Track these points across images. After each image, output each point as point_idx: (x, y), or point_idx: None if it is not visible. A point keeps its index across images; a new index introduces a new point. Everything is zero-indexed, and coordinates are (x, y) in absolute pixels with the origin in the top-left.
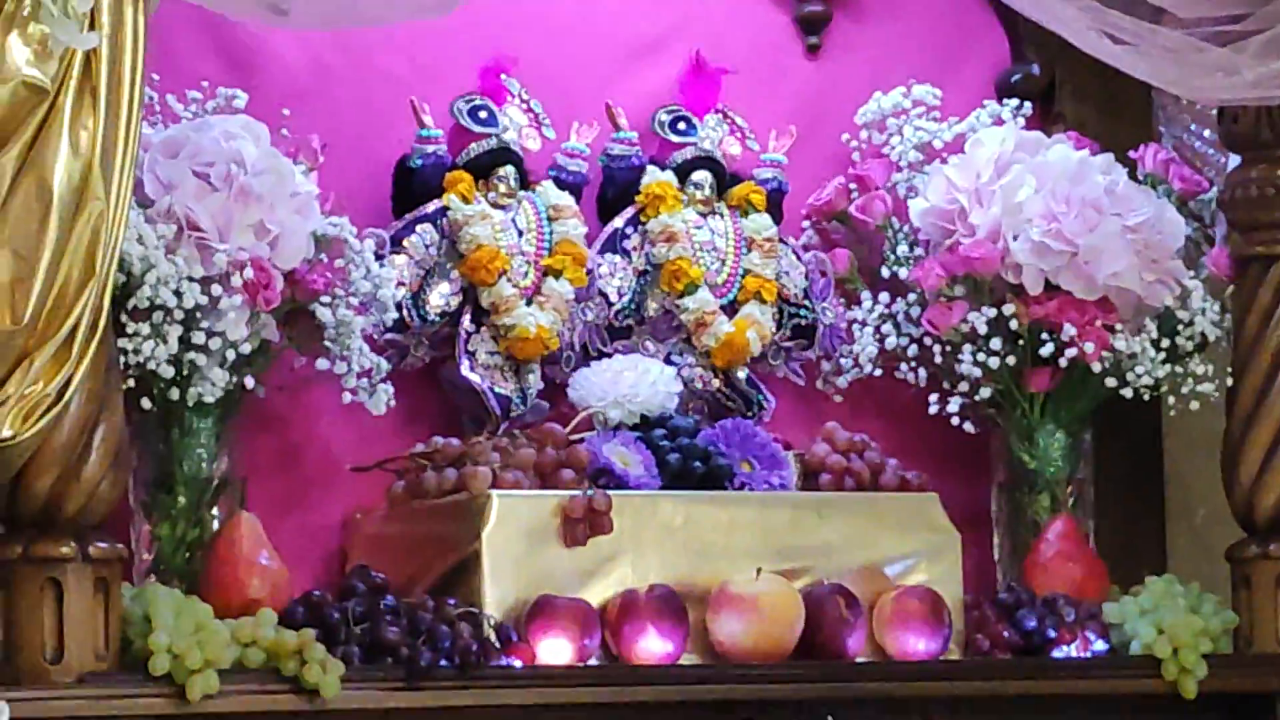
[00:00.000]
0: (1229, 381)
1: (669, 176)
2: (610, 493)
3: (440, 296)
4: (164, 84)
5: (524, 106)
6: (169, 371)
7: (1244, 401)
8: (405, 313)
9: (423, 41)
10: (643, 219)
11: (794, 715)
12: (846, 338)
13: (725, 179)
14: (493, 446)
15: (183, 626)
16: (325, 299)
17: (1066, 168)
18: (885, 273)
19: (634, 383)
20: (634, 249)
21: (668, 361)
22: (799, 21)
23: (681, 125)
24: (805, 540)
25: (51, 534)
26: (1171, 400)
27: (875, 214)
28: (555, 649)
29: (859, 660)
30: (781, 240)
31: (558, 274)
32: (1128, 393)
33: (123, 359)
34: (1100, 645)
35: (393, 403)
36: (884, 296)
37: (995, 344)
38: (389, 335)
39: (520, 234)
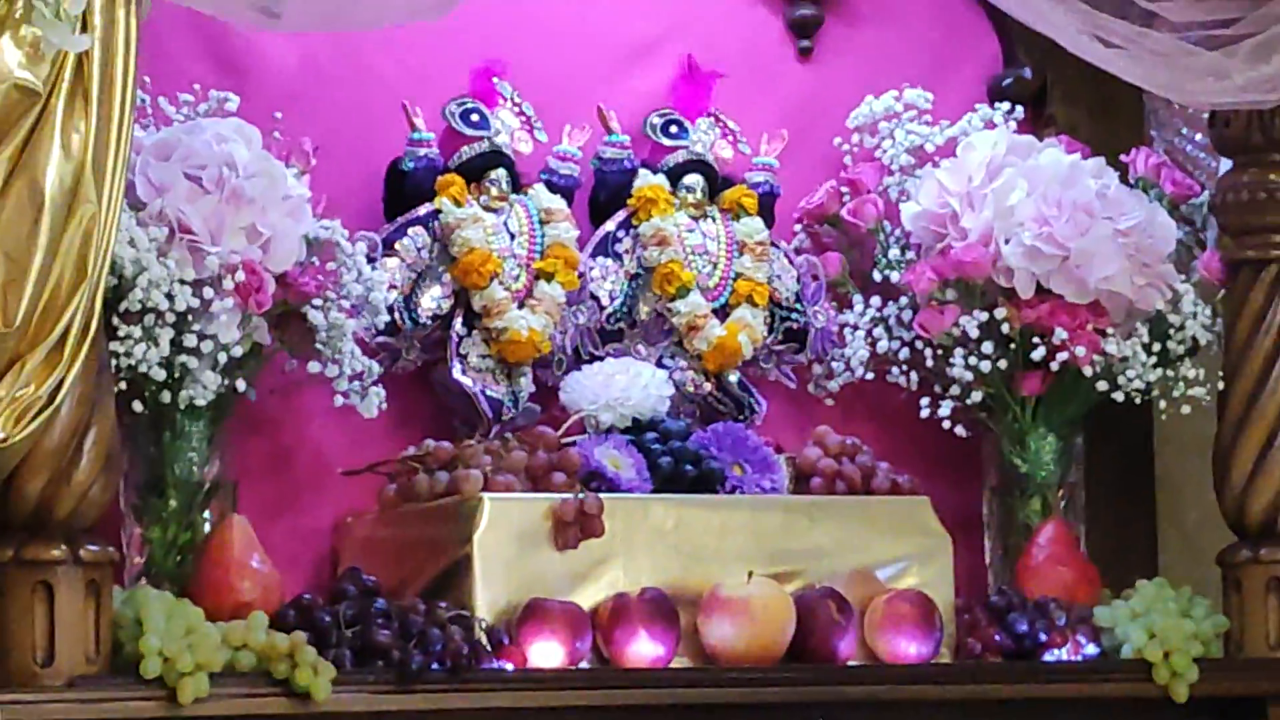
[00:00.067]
0: (1220, 385)
1: (661, 180)
2: (602, 496)
3: (432, 299)
4: (156, 87)
5: (516, 110)
6: (160, 374)
7: (1235, 405)
8: (397, 316)
9: (415, 45)
10: (634, 222)
11: (785, 719)
12: (838, 341)
13: (717, 182)
14: (484, 450)
15: (174, 630)
16: (317, 302)
17: (1058, 171)
18: (877, 276)
19: (625, 386)
20: (626, 252)
21: (659, 365)
22: (791, 25)
23: (673, 129)
24: (797, 544)
25: (42, 537)
26: (1163, 404)
27: (867, 217)
28: (547, 652)
29: (850, 664)
30: (773, 244)
31: (549, 277)
32: (1119, 397)
33: (114, 362)
34: (1091, 649)
35: (384, 406)
36: (875, 300)
37: (987, 348)
38: (380, 338)
39: (512, 237)
